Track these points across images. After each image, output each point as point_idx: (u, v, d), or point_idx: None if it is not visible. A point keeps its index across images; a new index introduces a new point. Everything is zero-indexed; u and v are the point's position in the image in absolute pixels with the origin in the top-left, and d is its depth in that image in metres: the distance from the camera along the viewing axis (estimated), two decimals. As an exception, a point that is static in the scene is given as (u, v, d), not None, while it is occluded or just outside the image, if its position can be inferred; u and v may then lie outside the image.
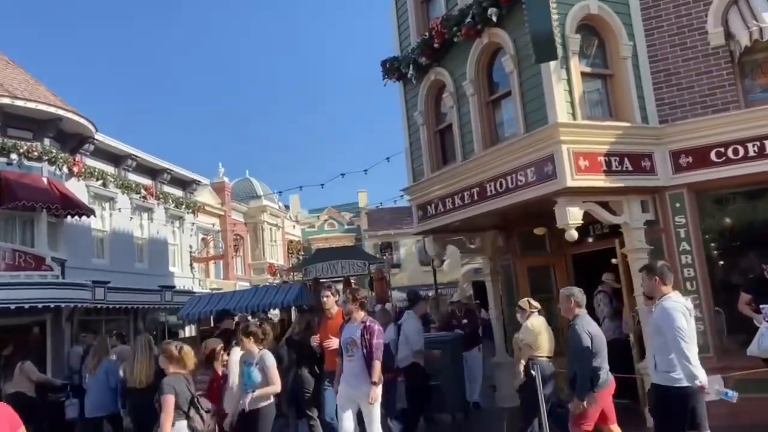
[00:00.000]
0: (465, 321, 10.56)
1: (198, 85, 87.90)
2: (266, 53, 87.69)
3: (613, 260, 9.00)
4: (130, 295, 17.07)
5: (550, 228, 9.58)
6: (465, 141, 9.08)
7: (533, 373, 6.19)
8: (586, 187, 7.41)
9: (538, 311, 6.93)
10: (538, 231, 9.52)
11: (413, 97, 10.31)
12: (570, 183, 7.23)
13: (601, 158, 7.53)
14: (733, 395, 4.95)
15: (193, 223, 23.63)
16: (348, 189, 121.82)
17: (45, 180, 14.63)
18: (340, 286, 13.21)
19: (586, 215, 7.57)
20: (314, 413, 7.50)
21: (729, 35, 7.72)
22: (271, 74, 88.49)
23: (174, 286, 19.64)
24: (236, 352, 6.39)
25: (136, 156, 18.98)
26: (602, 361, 5.62)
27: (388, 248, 40.82)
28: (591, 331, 5.63)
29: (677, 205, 7.86)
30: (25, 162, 14.35)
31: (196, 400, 5.17)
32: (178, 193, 22.40)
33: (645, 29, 8.19)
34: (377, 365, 5.93)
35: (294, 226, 38.10)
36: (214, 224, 26.60)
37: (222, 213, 27.45)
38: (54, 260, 14.24)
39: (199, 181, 23.61)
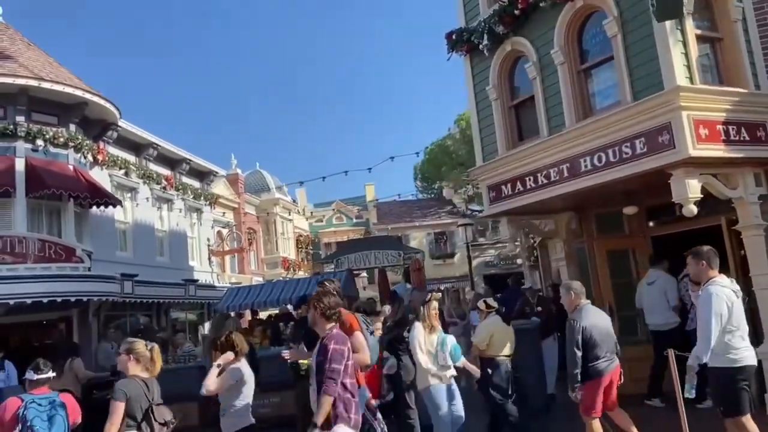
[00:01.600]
0: (539, 309, 9.94)
1: (201, 69, 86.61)
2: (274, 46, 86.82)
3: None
4: (156, 289, 16.36)
5: (640, 206, 9.05)
6: (551, 114, 8.46)
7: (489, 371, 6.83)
8: (705, 157, 6.82)
9: (496, 311, 7.29)
10: (629, 210, 8.92)
11: (482, 71, 9.67)
12: (692, 152, 6.63)
13: (720, 126, 6.93)
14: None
15: (212, 216, 22.89)
16: (352, 183, 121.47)
17: (71, 168, 13.88)
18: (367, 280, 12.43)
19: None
20: (413, 408, 6.88)
21: None
22: (273, 66, 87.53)
23: (197, 280, 18.93)
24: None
25: (158, 145, 18.22)
26: (600, 351, 5.78)
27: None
28: (589, 323, 5.82)
29: (795, 177, 7.30)
30: (51, 149, 13.60)
31: (151, 410, 4.45)
32: (195, 184, 21.67)
33: (752, -10, 7.61)
34: (324, 402, 4.31)
35: (305, 220, 37.38)
36: (228, 217, 25.86)
37: (236, 206, 26.70)
38: (83, 252, 13.49)
39: (216, 172, 22.87)
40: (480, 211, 44.55)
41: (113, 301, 14.14)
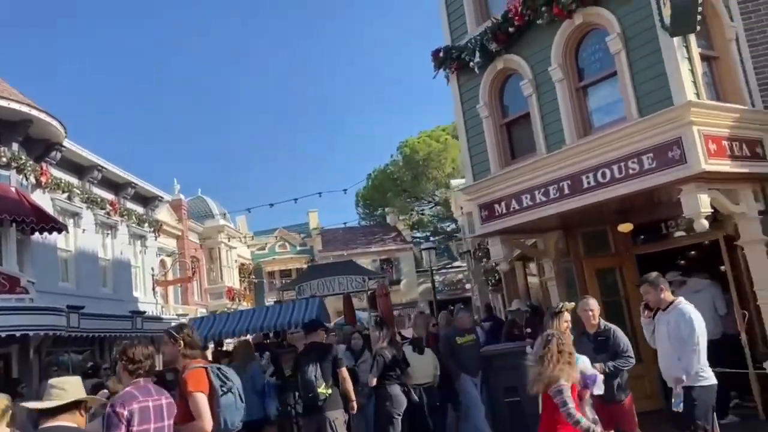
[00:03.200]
0: (528, 330, 9.74)
1: (138, 89, 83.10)
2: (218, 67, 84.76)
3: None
4: (102, 323, 15.17)
5: (641, 223, 9.06)
6: (549, 131, 8.38)
7: None
8: (715, 172, 6.86)
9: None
10: (624, 228, 8.90)
11: (471, 88, 9.55)
12: (705, 167, 6.65)
13: (725, 142, 7.02)
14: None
15: (156, 244, 21.65)
16: (294, 210, 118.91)
17: (14, 190, 12.69)
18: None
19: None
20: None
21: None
22: (212, 88, 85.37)
23: (144, 312, 17.71)
24: None
25: (103, 167, 17.07)
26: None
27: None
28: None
29: (791, 193, 7.47)
30: (-9, 169, 12.40)
31: None
32: (140, 209, 20.45)
33: (741, 12, 7.85)
34: None
35: (247, 248, 36.19)
36: (171, 245, 24.58)
37: (180, 233, 25.46)
38: (28, 282, 12.27)
39: (161, 197, 21.70)
40: (425, 238, 44.82)
41: (58, 335, 12.93)
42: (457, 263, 40.36)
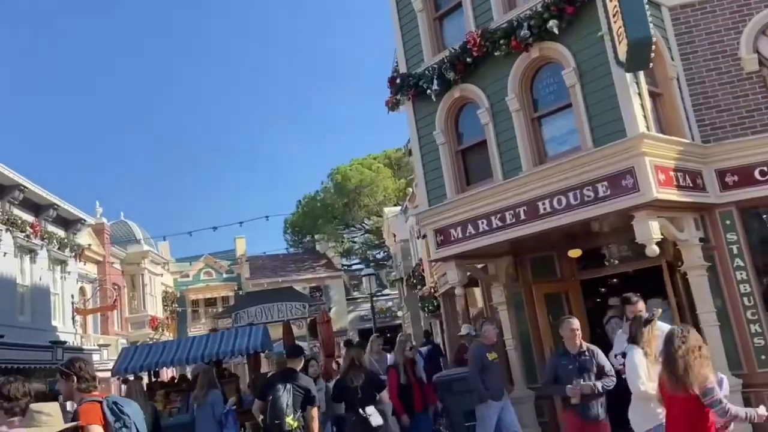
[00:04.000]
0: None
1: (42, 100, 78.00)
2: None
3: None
4: (20, 353, 14.05)
5: (584, 250, 9.43)
6: (505, 159, 8.64)
7: None
8: (664, 200, 7.28)
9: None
10: (573, 253, 9.24)
11: (427, 115, 9.72)
12: (657, 195, 7.05)
13: (672, 173, 7.48)
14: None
15: (77, 269, 20.42)
16: (220, 237, 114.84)
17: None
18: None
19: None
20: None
21: (761, 62, 8.21)
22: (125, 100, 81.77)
23: (65, 342, 16.57)
24: None
25: (25, 187, 16.04)
26: None
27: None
28: None
29: (727, 222, 8.00)
30: None
31: None
32: (61, 233, 19.29)
33: (681, 54, 8.47)
34: None
35: (170, 275, 34.76)
36: (92, 270, 23.28)
37: (101, 258, 24.15)
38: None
39: (84, 220, 20.60)
40: (352, 266, 44.71)
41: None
42: (386, 291, 40.43)
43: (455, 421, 8.47)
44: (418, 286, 24.91)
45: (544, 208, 7.99)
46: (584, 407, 5.75)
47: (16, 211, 16.18)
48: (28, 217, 16.88)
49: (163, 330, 28.66)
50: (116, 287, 26.05)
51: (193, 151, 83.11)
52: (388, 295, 40.19)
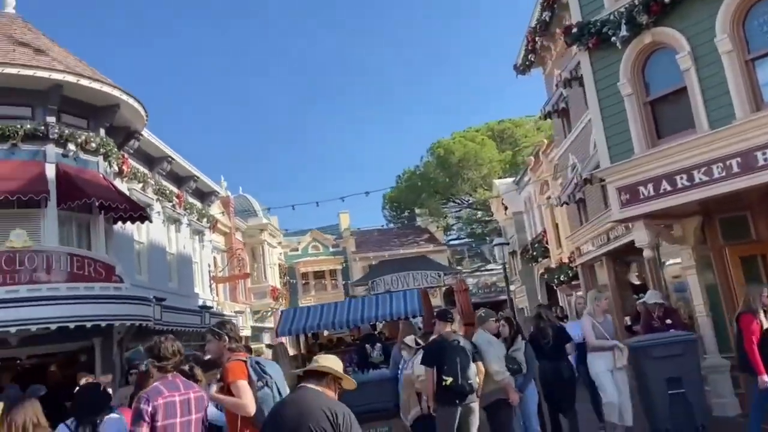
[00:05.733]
0: (669, 321, 9.24)
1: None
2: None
3: None
4: (179, 316, 14.76)
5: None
6: (711, 107, 7.95)
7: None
8: None
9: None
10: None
11: (608, 66, 9.13)
12: None
13: None
14: None
15: (211, 240, 21.31)
16: (320, 212, 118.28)
17: (101, 177, 12.34)
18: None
19: None
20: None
21: None
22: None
23: (211, 308, 17.32)
24: None
25: (172, 159, 16.74)
26: None
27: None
28: None
29: None
30: (82, 155, 12.03)
31: None
32: (198, 204, 20.12)
33: None
34: None
35: (280, 248, 35.79)
36: (221, 242, 24.25)
37: (228, 230, 25.11)
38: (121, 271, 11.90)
39: (218, 193, 21.38)
40: (453, 241, 44.36)
41: (143, 326, 12.51)
42: (490, 265, 39.77)
43: (653, 388, 7.98)
44: (539, 259, 24.25)
45: (765, 159, 7.28)
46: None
47: (164, 182, 16.94)
48: (174, 188, 17.66)
49: (282, 300, 29.56)
50: (241, 258, 27.10)
51: (295, 126, 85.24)
52: (492, 270, 39.50)
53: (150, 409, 3.73)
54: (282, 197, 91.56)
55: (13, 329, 9.75)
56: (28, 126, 11.29)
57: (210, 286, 20.61)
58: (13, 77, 11.01)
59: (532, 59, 16.46)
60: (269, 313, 28.16)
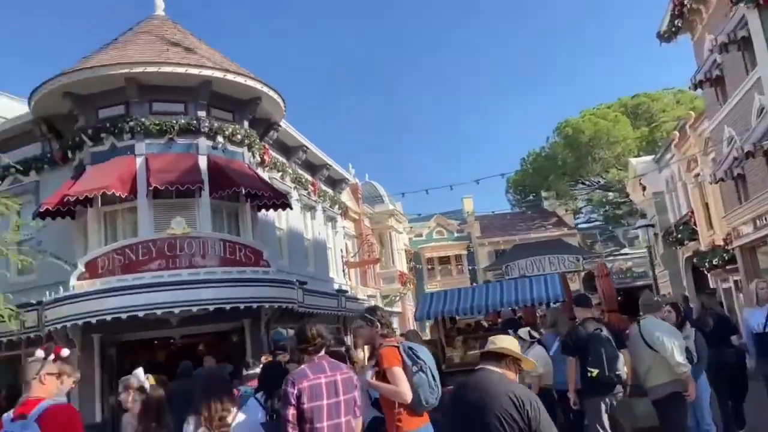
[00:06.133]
0: None
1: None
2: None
3: None
4: (318, 299, 15.29)
5: None
6: None
7: None
8: None
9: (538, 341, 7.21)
10: None
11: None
12: None
13: None
14: None
15: (343, 226, 21.92)
16: (444, 196, 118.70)
17: (247, 167, 13.01)
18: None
19: None
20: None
21: None
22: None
23: (347, 291, 17.81)
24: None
25: (307, 148, 17.33)
26: None
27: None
28: None
29: None
30: (229, 146, 12.75)
31: None
32: (330, 192, 20.73)
33: None
34: None
35: (406, 234, 36.13)
36: (351, 228, 24.89)
37: (357, 217, 25.71)
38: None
39: (348, 180, 21.91)
40: (581, 225, 42.34)
41: (288, 308, 13.08)
42: (625, 249, 37.58)
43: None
44: (685, 241, 22.45)
45: None
46: None
47: (299, 171, 17.59)
48: (308, 177, 18.30)
49: (409, 285, 29.86)
50: (370, 243, 27.69)
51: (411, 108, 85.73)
52: (627, 254, 37.32)
53: (295, 391, 3.76)
54: (399, 183, 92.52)
55: (176, 310, 10.52)
56: (182, 121, 12.12)
57: (343, 270, 21.21)
58: (168, 75, 11.85)
59: (679, 25, 15.15)
60: (398, 298, 28.56)
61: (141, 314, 10.32)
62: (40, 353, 3.75)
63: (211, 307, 10.72)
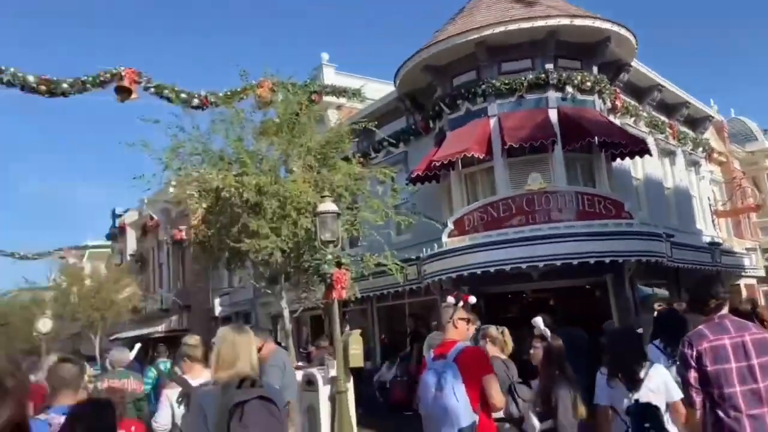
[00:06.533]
0: None
1: None
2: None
3: None
4: (686, 253, 13.79)
5: None
6: None
7: None
8: None
9: None
10: None
11: None
12: None
13: None
14: None
15: (709, 171, 19.30)
16: None
17: (599, 114, 12.33)
18: None
19: None
20: None
21: None
22: None
23: (721, 244, 15.69)
24: None
25: (662, 87, 15.61)
26: None
27: None
28: None
29: None
30: (578, 96, 12.27)
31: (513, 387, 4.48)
32: (690, 133, 18.37)
33: None
34: None
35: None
36: (716, 172, 21.77)
37: (724, 159, 22.34)
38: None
39: (712, 117, 19.12)
40: None
41: (652, 263, 12.07)
42: None
43: None
44: None
45: None
46: None
47: (654, 113, 15.99)
48: (664, 119, 16.53)
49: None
50: (740, 188, 23.89)
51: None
52: None
53: (694, 353, 3.50)
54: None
55: (540, 264, 10.66)
56: (530, 76, 12.08)
57: (712, 221, 18.74)
58: (514, 33, 11.91)
59: None
60: (783, 251, 24.07)
61: (507, 268, 10.74)
62: (450, 300, 4.11)
63: (575, 261, 10.55)
